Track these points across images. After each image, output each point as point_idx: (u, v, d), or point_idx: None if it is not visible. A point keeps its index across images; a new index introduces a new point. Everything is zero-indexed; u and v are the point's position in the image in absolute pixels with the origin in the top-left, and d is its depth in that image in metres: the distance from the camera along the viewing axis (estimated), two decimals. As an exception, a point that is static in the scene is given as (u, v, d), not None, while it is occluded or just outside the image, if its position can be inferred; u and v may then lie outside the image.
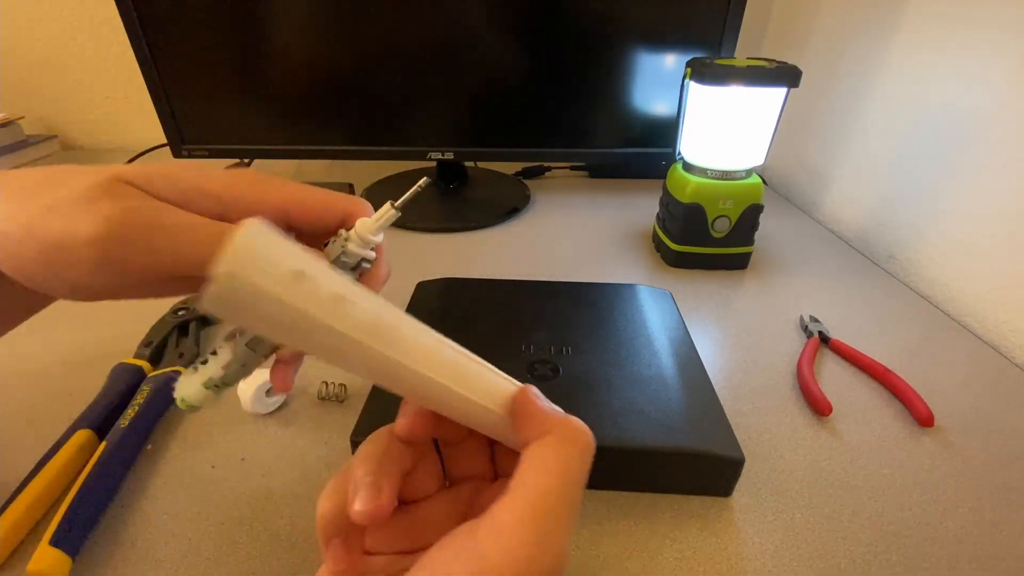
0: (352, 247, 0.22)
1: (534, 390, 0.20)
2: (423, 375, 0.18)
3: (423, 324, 0.19)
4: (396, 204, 0.23)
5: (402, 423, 0.21)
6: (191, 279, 0.20)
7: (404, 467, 0.21)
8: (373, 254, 0.23)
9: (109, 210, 0.18)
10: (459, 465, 0.23)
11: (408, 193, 0.23)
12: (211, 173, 0.21)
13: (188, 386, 0.22)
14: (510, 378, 0.21)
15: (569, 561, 0.18)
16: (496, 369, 0.21)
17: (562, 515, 0.17)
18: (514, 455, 0.19)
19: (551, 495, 0.17)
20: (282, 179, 0.22)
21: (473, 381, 0.20)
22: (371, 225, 0.23)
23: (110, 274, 0.18)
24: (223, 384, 0.22)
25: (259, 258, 0.15)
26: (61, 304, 0.24)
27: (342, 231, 0.23)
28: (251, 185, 0.21)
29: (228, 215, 0.20)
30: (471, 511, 0.21)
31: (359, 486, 0.19)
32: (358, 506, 0.18)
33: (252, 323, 0.16)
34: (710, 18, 0.64)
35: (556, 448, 0.18)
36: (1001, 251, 0.51)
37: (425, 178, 0.24)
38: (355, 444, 0.32)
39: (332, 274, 0.17)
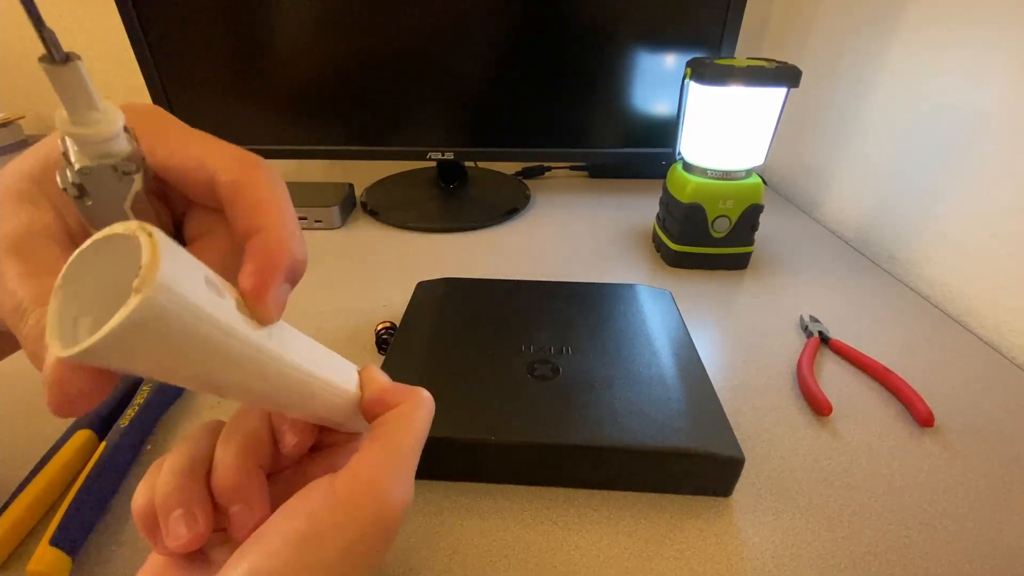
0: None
1: (375, 367, 0.24)
2: (302, 368, 0.19)
3: (283, 322, 0.19)
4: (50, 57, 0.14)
5: (291, 441, 0.22)
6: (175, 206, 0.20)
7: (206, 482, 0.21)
8: (124, 144, 0.16)
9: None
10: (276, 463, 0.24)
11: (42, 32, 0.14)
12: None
13: None
14: (343, 359, 0.23)
15: (411, 506, 0.22)
16: (328, 350, 0.22)
17: (412, 465, 0.21)
18: (328, 430, 0.24)
19: (407, 448, 0.21)
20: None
21: (331, 364, 0.21)
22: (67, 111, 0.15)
23: None
24: None
25: (174, 269, 0.13)
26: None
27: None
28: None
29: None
30: (298, 487, 0.21)
31: (173, 518, 0.19)
32: (178, 537, 0.19)
33: (163, 334, 0.14)
34: (710, 18, 0.64)
35: (412, 412, 0.22)
36: (1001, 251, 0.51)
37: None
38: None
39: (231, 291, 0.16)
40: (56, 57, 0.14)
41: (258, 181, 0.18)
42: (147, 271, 0.13)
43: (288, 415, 0.22)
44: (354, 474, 0.19)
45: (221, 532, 0.21)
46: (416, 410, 0.22)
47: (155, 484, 0.20)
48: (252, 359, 0.16)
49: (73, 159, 0.15)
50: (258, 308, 0.17)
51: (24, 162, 0.18)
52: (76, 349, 0.13)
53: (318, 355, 0.20)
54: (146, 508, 0.20)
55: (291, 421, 0.22)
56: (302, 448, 0.22)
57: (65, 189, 0.15)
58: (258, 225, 0.17)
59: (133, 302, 0.12)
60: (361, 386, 0.23)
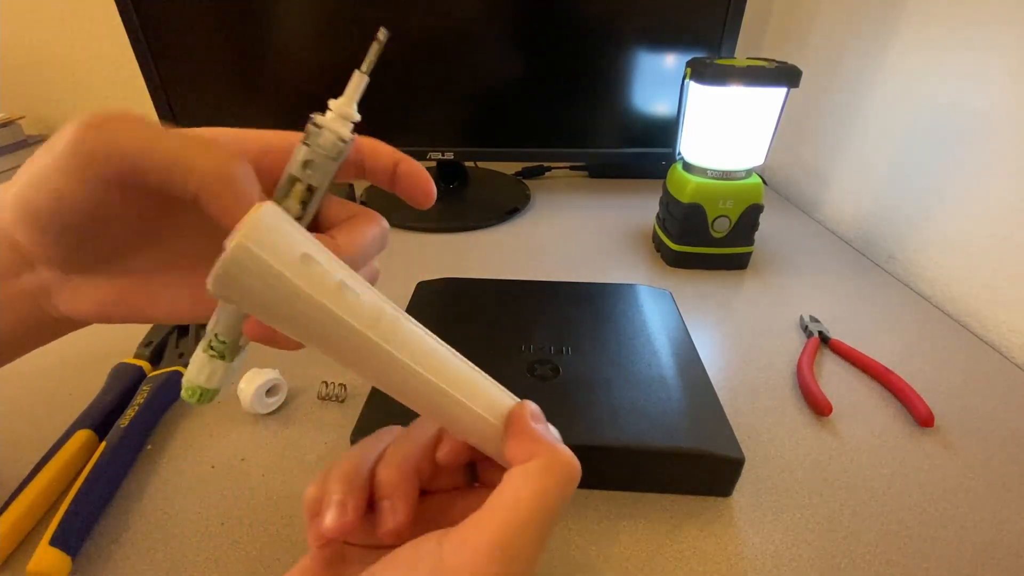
0: (333, 125, 0.20)
1: (532, 408, 0.20)
2: (421, 375, 0.18)
3: (425, 328, 0.19)
4: (363, 68, 0.20)
5: (446, 450, 0.21)
6: (163, 207, 0.20)
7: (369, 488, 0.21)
8: (352, 136, 0.20)
9: (96, 111, 0.17)
10: (436, 478, 0.23)
11: (369, 54, 0.20)
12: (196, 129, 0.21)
13: (190, 368, 0.21)
14: (509, 393, 0.21)
15: None
16: (496, 382, 0.20)
17: (529, 544, 0.17)
18: (497, 467, 0.20)
19: (522, 523, 0.17)
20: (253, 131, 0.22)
21: (472, 388, 0.19)
22: (346, 100, 0.20)
23: (79, 165, 0.17)
24: (221, 344, 0.21)
25: (272, 237, 0.16)
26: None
27: (314, 117, 0.20)
28: (229, 132, 0.22)
29: None
30: (443, 518, 0.21)
31: (329, 503, 0.20)
32: (327, 522, 0.20)
33: (257, 304, 0.16)
34: (710, 18, 0.64)
35: (538, 476, 0.18)
36: (1001, 251, 0.51)
37: (382, 29, 0.20)
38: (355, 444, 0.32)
39: (338, 263, 0.17)
40: (365, 69, 0.20)
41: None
42: (236, 234, 0.15)
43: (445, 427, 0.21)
44: (463, 541, 0.17)
45: (368, 549, 0.21)
46: (544, 474, 0.18)
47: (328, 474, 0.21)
48: (349, 339, 0.17)
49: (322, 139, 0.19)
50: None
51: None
52: (208, 286, 0.15)
53: (453, 367, 0.19)
54: (315, 495, 0.21)
55: (450, 434, 0.22)
56: (450, 460, 0.21)
57: (316, 152, 0.19)
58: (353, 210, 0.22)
59: (222, 257, 0.15)
60: (507, 422, 0.20)
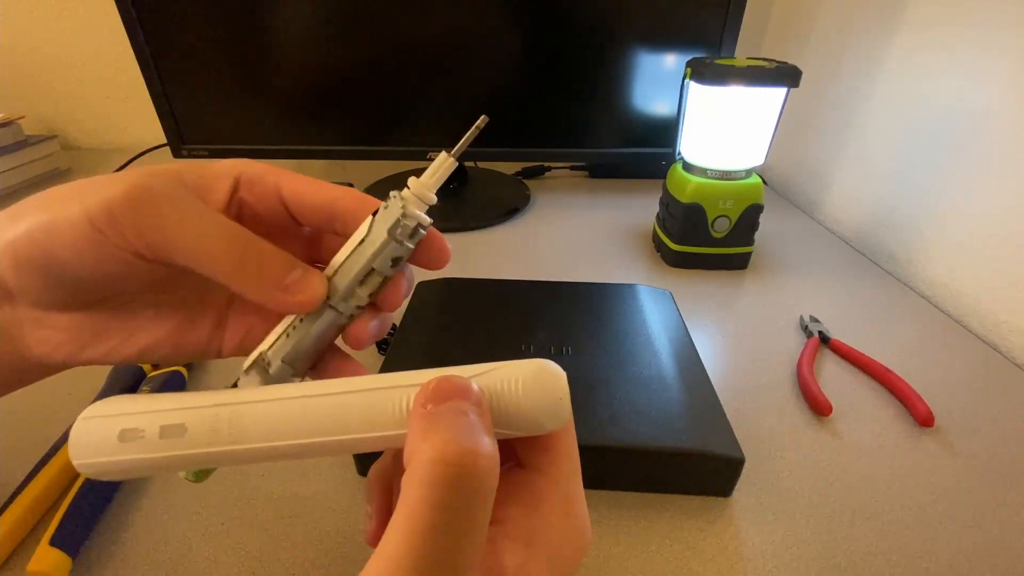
0: (411, 208, 0.19)
1: (436, 386, 0.16)
2: (289, 445, 0.18)
3: (284, 388, 0.18)
4: (452, 152, 0.20)
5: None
6: (177, 278, 0.20)
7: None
8: (428, 219, 0.20)
9: (135, 178, 0.18)
10: None
11: (465, 136, 0.20)
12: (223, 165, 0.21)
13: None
14: (432, 374, 0.17)
15: None
16: (402, 378, 0.18)
17: (444, 552, 0.14)
18: (531, 445, 0.19)
19: (421, 531, 0.14)
20: (287, 172, 0.22)
21: (358, 417, 0.17)
22: (428, 182, 0.20)
23: (110, 233, 0.17)
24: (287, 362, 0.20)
25: (86, 441, 0.18)
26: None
27: (394, 193, 0.20)
28: (262, 173, 0.21)
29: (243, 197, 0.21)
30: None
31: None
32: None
33: (108, 475, 0.19)
34: (710, 18, 0.64)
35: (419, 482, 0.14)
36: (1001, 251, 0.51)
37: (483, 117, 0.20)
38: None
39: (162, 407, 0.18)
40: (455, 153, 0.20)
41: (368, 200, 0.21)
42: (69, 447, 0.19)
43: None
44: (378, 552, 0.14)
45: None
46: (428, 481, 0.14)
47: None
48: (200, 460, 0.18)
49: (408, 213, 0.19)
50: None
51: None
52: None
53: (323, 411, 0.18)
54: (375, 478, 0.21)
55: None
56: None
57: (409, 231, 0.20)
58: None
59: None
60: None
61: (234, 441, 0.18)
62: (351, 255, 0.20)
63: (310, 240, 0.24)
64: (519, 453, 0.20)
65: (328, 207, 0.21)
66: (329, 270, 0.20)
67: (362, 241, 0.19)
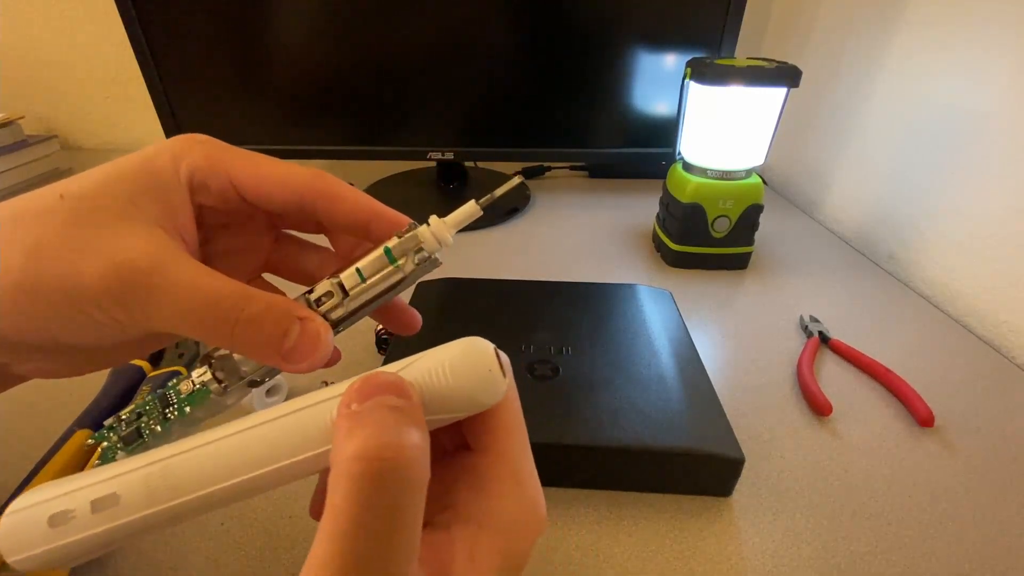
0: (427, 249, 0.20)
1: (360, 385, 0.16)
2: (229, 486, 0.17)
3: (213, 431, 0.18)
4: (480, 202, 0.21)
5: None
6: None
7: None
8: (441, 260, 0.21)
9: (124, 254, 0.17)
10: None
11: (498, 190, 0.21)
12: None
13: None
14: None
15: None
16: (326, 397, 0.17)
17: (373, 555, 0.13)
18: (475, 424, 0.19)
19: (347, 533, 0.13)
20: (237, 157, 0.21)
21: (292, 443, 0.17)
22: (450, 226, 0.20)
23: (96, 323, 0.18)
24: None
25: (14, 533, 0.17)
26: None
27: (414, 227, 0.20)
28: (209, 170, 0.20)
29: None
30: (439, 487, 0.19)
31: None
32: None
33: (47, 565, 0.18)
34: (710, 18, 0.64)
35: (341, 480, 0.14)
36: (1001, 251, 0.51)
37: (519, 176, 0.22)
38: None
39: (89, 481, 0.17)
40: (483, 204, 0.21)
41: (340, 184, 0.21)
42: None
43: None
44: (312, 553, 0.14)
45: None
46: (347, 478, 0.14)
47: None
48: (141, 527, 0.17)
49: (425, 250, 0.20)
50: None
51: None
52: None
53: (255, 447, 0.17)
54: None
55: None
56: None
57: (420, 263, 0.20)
58: (377, 211, 0.22)
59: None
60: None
61: (172, 496, 0.17)
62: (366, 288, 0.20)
63: (273, 215, 0.23)
64: (467, 436, 0.20)
65: (296, 200, 0.21)
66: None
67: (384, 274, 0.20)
